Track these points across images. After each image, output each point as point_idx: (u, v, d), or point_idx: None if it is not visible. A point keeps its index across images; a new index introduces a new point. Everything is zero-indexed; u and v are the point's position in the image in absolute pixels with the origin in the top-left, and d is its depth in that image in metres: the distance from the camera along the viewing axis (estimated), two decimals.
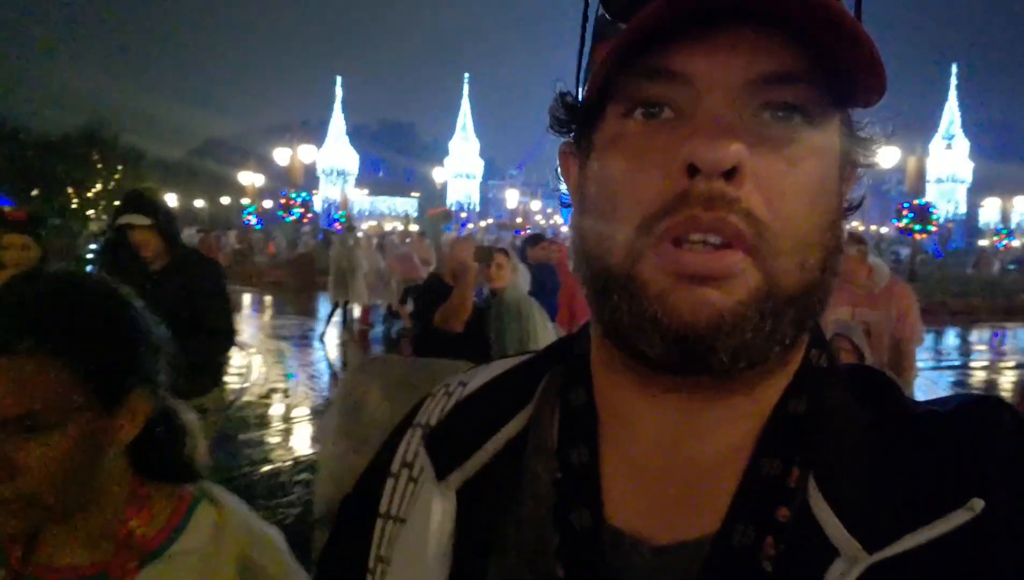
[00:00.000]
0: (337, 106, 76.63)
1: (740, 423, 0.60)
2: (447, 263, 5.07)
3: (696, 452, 0.60)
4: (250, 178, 39.57)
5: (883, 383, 0.62)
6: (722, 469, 0.59)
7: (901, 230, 25.23)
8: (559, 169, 0.70)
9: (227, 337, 4.23)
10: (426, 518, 0.65)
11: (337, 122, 77.91)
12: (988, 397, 0.61)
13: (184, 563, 1.12)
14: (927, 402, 0.62)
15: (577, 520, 0.60)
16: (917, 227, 24.05)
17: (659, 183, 0.54)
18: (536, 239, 8.10)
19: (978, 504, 0.51)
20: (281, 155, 35.19)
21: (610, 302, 0.58)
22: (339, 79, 77.26)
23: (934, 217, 26.59)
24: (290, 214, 29.00)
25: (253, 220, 36.25)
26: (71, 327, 1.04)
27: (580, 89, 0.66)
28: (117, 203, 4.39)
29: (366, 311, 14.71)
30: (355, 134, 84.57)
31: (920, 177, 27.35)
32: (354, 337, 14.11)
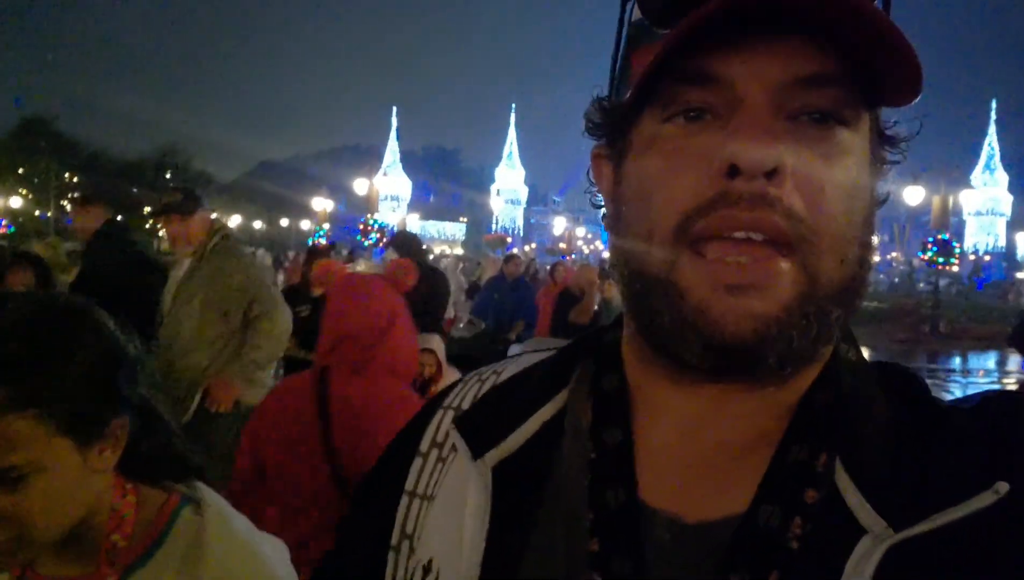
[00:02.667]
0: (392, 134, 79.96)
1: (771, 411, 0.60)
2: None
3: (726, 437, 0.61)
4: (322, 204, 42.56)
5: (910, 377, 0.63)
6: (752, 454, 0.59)
7: (926, 262, 26.90)
8: (591, 172, 0.71)
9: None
10: (460, 496, 0.66)
11: (392, 149, 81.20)
12: (1010, 391, 0.64)
13: (163, 577, 1.08)
14: (952, 400, 0.64)
15: (612, 497, 0.60)
16: (940, 260, 25.66)
17: (698, 182, 0.55)
18: (510, 258, 9.99)
19: (1003, 487, 0.52)
20: (360, 184, 38.41)
21: (649, 305, 0.58)
22: (394, 109, 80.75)
23: (956, 251, 28.32)
24: (367, 238, 31.18)
25: (324, 242, 39.21)
26: (42, 374, 0.97)
27: (615, 93, 0.68)
28: None
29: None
30: (403, 160, 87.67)
31: (945, 213, 29.00)
32: None
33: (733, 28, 0.53)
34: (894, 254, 68.57)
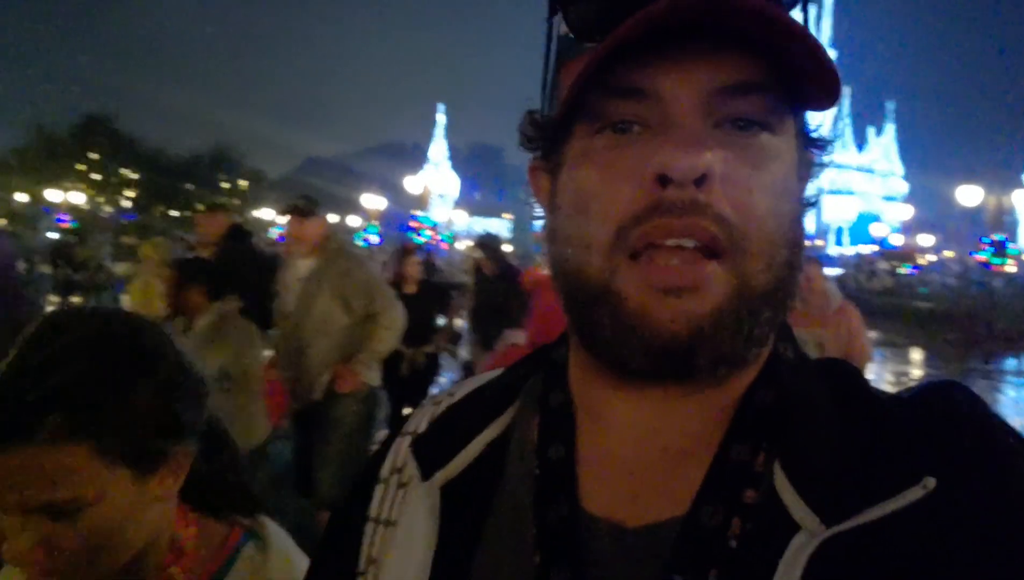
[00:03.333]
0: (439, 132, 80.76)
1: (711, 414, 0.61)
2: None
3: (668, 442, 0.62)
4: (374, 201, 43.52)
5: (847, 372, 0.64)
6: (693, 456, 0.60)
7: (981, 262, 26.65)
8: (529, 185, 0.72)
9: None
10: (414, 517, 0.68)
11: (439, 147, 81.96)
12: (949, 382, 0.63)
13: None
14: (891, 392, 0.63)
15: (554, 511, 0.62)
16: (996, 260, 25.41)
17: (631, 194, 0.56)
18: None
19: (930, 482, 0.53)
20: (411, 182, 39.44)
21: (590, 315, 0.59)
22: (442, 107, 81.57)
23: (1012, 252, 27.99)
24: (419, 235, 31.96)
25: (375, 238, 40.22)
26: (101, 403, 0.91)
27: (546, 106, 0.69)
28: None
29: None
30: (448, 157, 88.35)
31: (1000, 213, 28.75)
32: None
33: (657, 41, 0.54)
34: (948, 254, 67.27)
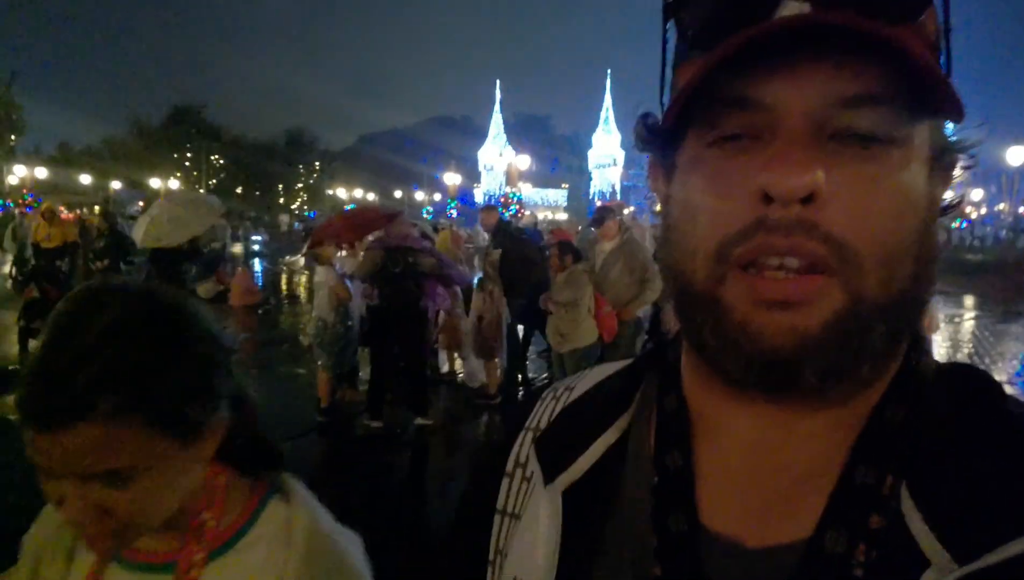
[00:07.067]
0: (496, 107, 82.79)
1: (834, 432, 0.57)
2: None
3: (789, 459, 0.58)
4: (452, 178, 45.91)
5: (982, 385, 0.59)
6: (816, 476, 0.57)
7: None
8: (649, 180, 0.70)
9: None
10: (536, 519, 0.67)
11: (496, 121, 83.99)
12: None
13: (251, 559, 1.09)
14: None
15: (674, 524, 0.60)
16: None
17: (736, 209, 0.53)
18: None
19: None
20: (488, 159, 41.98)
21: (695, 321, 0.57)
22: (497, 81, 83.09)
23: None
24: (508, 210, 34.12)
25: (454, 213, 42.95)
26: (148, 380, 0.96)
27: (662, 108, 0.65)
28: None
29: None
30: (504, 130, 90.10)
31: None
32: None
33: (771, 51, 0.52)
34: (1001, 206, 67.12)
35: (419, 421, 7.44)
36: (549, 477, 0.68)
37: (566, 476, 0.67)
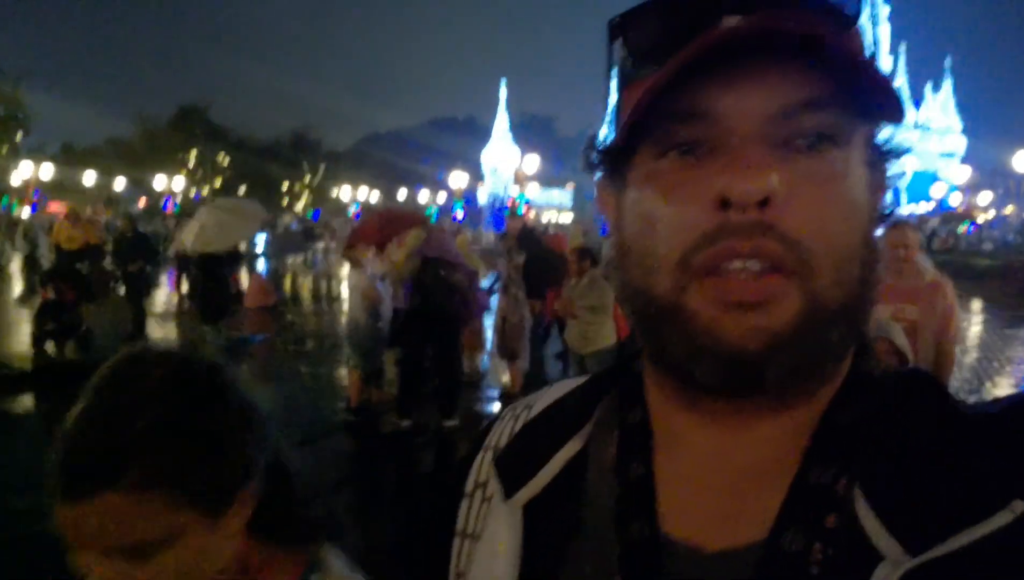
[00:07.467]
0: (501, 106, 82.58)
1: (789, 434, 0.59)
2: None
3: (746, 463, 0.59)
4: (458, 179, 46.33)
5: (930, 387, 0.60)
6: (772, 478, 0.58)
7: None
8: (597, 201, 0.70)
9: None
10: (495, 535, 0.67)
11: (501, 121, 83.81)
12: None
13: None
14: (979, 404, 0.59)
15: (635, 532, 0.61)
16: None
17: (695, 217, 0.55)
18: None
19: (1019, 506, 0.49)
20: (490, 160, 42.47)
21: (660, 333, 0.58)
22: (503, 81, 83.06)
23: None
24: (515, 212, 34.38)
25: (460, 214, 43.31)
26: (175, 452, 0.93)
27: (609, 129, 0.66)
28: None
29: None
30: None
31: None
32: None
33: (718, 62, 0.53)
34: (1007, 210, 67.08)
35: (447, 423, 7.61)
36: (509, 492, 0.68)
37: (526, 491, 0.68)
